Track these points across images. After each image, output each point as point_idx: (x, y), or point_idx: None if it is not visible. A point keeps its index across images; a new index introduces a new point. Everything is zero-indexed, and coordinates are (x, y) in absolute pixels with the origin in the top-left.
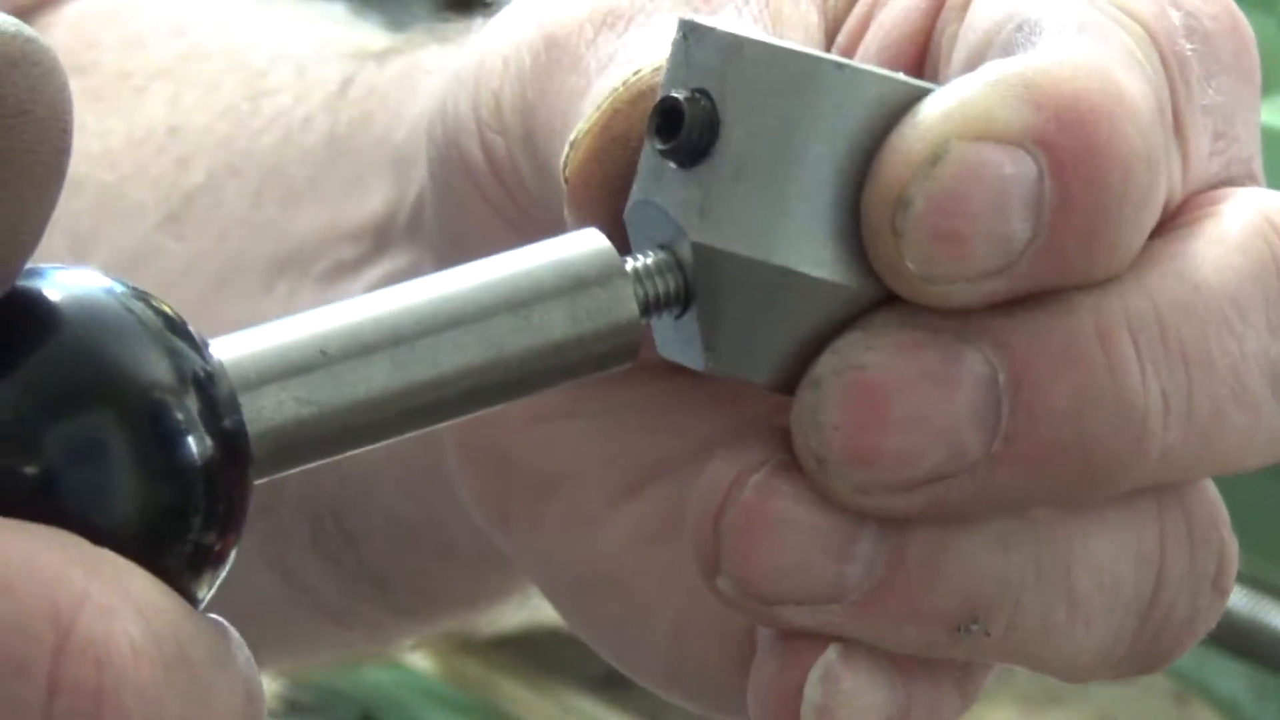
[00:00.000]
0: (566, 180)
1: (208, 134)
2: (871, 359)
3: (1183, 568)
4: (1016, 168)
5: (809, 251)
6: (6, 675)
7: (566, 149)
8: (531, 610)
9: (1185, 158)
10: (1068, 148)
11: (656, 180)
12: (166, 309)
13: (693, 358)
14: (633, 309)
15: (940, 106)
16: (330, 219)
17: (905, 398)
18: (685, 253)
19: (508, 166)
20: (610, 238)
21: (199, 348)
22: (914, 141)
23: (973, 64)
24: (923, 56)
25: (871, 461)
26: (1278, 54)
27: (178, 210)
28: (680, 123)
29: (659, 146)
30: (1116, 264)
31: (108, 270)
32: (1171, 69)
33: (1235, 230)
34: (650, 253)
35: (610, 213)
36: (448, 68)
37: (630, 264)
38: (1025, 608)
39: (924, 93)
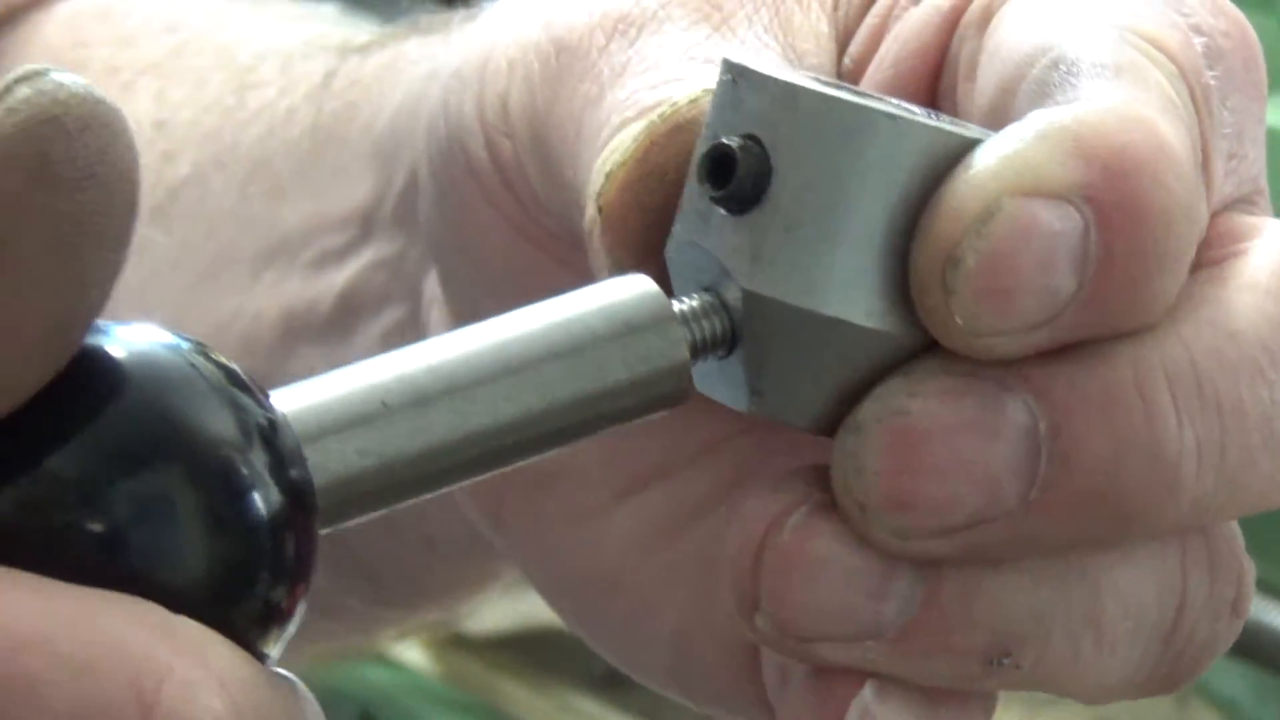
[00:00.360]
0: (600, 209)
1: (194, 128)
2: (915, 406)
3: (1204, 593)
4: (1064, 223)
5: (858, 301)
6: None
7: (602, 179)
8: (531, 610)
9: (1209, 188)
10: (1114, 203)
11: (704, 223)
12: (227, 362)
13: (736, 399)
14: (683, 353)
15: (991, 161)
16: (316, 208)
17: (947, 445)
18: (732, 297)
19: (514, 169)
20: (643, 267)
21: (261, 401)
22: (966, 198)
23: (1003, 95)
24: (938, 71)
25: (911, 507)
26: (1278, 54)
27: (164, 204)
28: (732, 170)
29: (711, 194)
30: (1155, 313)
31: None
32: (1199, 104)
33: (1265, 275)
34: (696, 295)
35: (644, 243)
36: (433, 57)
37: (677, 307)
38: (1055, 640)
39: (972, 143)
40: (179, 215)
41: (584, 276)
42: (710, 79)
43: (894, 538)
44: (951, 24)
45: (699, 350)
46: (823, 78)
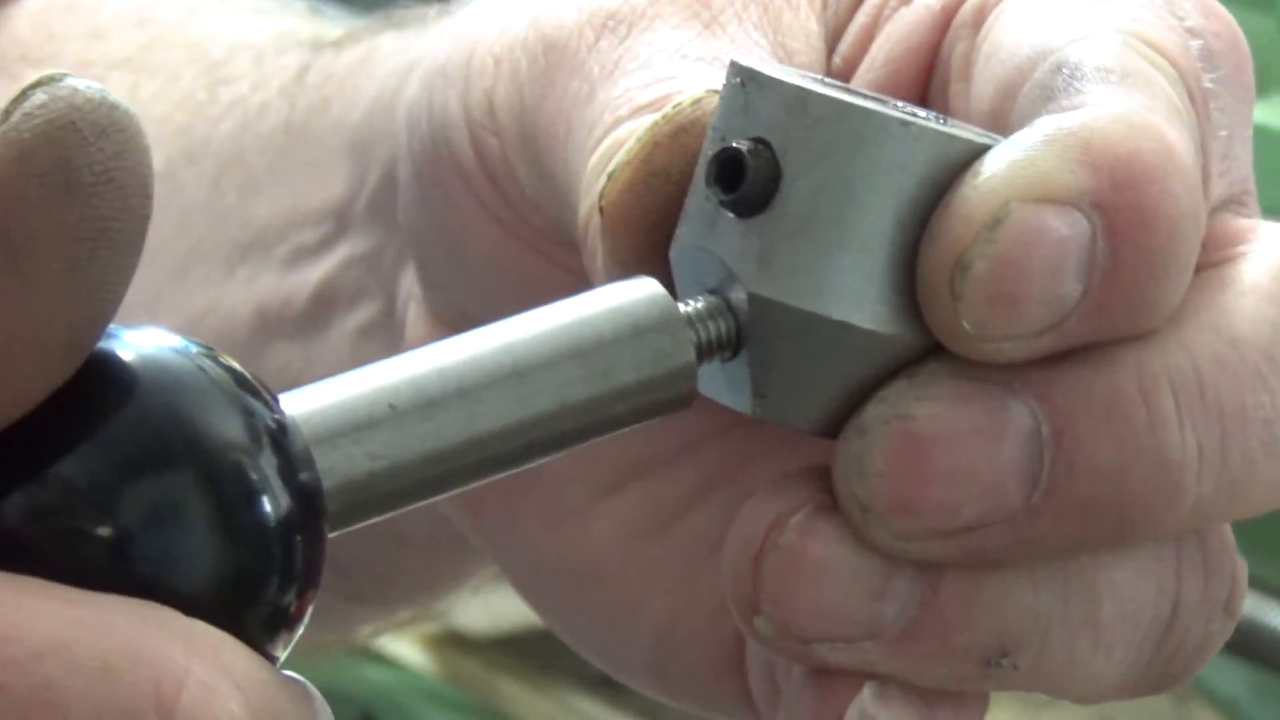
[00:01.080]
0: (602, 209)
1: (166, 123)
2: (920, 410)
3: (1198, 594)
4: (1073, 229)
5: (866, 305)
6: None
7: (604, 179)
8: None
9: (1206, 190)
10: (1122, 210)
11: (711, 227)
12: (235, 365)
13: (740, 402)
14: (690, 355)
15: (1000, 167)
16: (290, 203)
17: (952, 449)
18: (739, 299)
19: (501, 167)
20: (644, 268)
21: (270, 404)
22: (975, 204)
23: (1004, 98)
24: (929, 71)
25: (915, 510)
26: (1277, 54)
27: None
28: (742, 173)
29: (720, 197)
30: (1160, 319)
31: None
32: (1199, 108)
33: (1266, 279)
34: (701, 298)
35: (646, 243)
36: (406, 50)
37: (684, 309)
38: (1053, 640)
39: (982, 149)
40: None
41: (569, 272)
42: (709, 78)
43: (896, 540)
44: (944, 24)
45: (705, 352)
46: (827, 79)
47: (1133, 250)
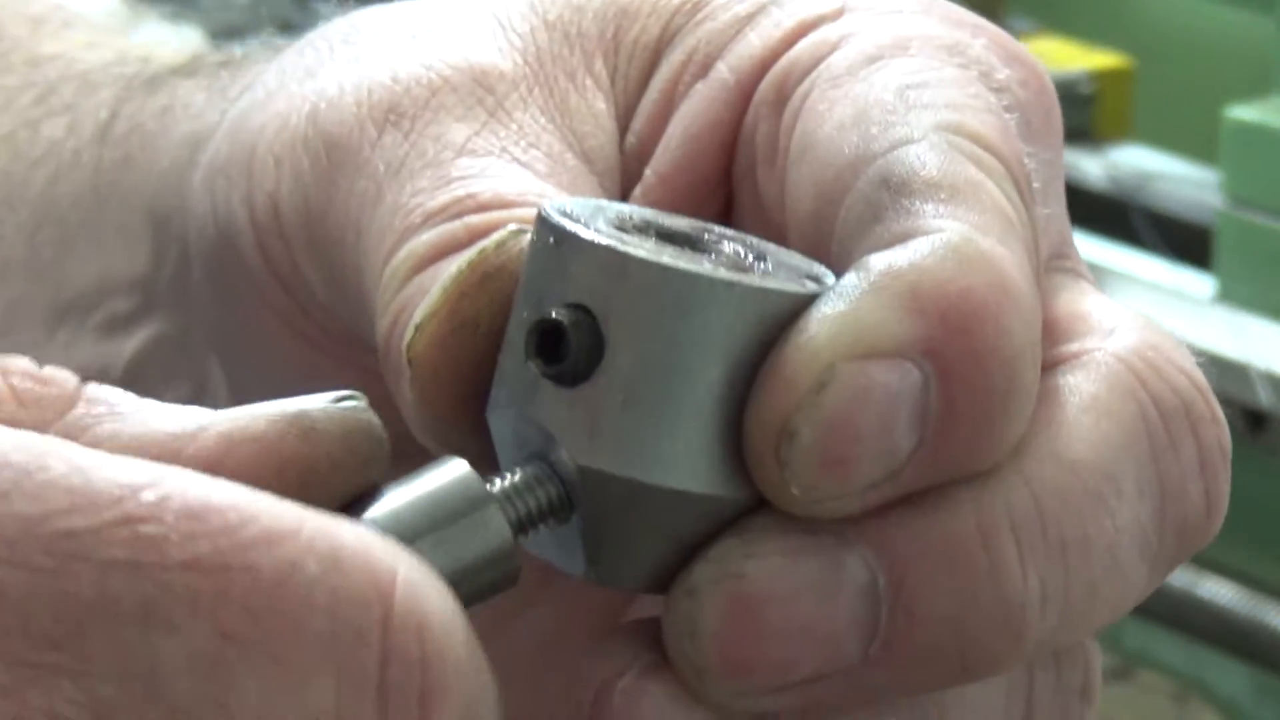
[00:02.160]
0: (410, 362)
1: None
2: (751, 568)
3: (1050, 688)
4: (903, 382)
5: (699, 471)
6: (348, 642)
7: (410, 331)
8: None
9: (1038, 269)
10: (955, 355)
11: (531, 394)
12: None
13: (571, 565)
14: (507, 538)
15: (824, 325)
16: (102, 268)
17: (785, 607)
18: (566, 468)
19: (290, 271)
20: (459, 421)
21: None
22: (798, 368)
23: (826, 203)
24: (730, 151)
25: (750, 670)
26: (1277, 54)
27: None
28: (563, 345)
29: (542, 369)
30: (999, 457)
31: None
32: (1025, 194)
33: (1105, 391)
34: (521, 468)
35: (459, 395)
36: (199, 116)
37: (500, 484)
38: None
39: (809, 299)
40: None
41: (368, 373)
42: (503, 184)
43: (731, 698)
44: (742, 101)
45: (527, 526)
46: (635, 211)
47: (968, 396)
